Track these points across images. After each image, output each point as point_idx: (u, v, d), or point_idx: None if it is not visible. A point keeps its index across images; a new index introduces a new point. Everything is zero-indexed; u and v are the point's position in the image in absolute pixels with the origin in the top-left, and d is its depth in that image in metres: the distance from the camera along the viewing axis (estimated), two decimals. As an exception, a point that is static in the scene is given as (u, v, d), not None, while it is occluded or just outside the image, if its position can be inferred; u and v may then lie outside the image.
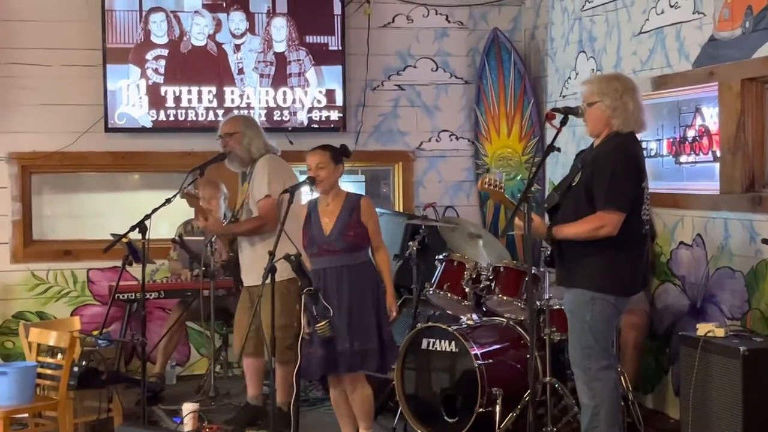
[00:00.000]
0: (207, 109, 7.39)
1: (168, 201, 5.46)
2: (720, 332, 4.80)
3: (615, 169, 4.53)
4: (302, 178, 5.33)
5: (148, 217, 5.32)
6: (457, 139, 7.96)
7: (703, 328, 4.87)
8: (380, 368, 5.20)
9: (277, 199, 5.65)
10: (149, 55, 7.30)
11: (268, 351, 4.67)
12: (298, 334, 4.84)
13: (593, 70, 6.74)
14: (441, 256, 6.04)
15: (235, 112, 7.16)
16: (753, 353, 4.52)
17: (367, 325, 5.08)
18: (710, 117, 5.70)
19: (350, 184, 7.68)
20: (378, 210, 7.42)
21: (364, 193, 7.76)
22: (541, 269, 5.56)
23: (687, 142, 5.91)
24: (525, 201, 4.38)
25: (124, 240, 5.51)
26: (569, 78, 7.20)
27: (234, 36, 7.44)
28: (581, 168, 4.67)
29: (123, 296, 6.61)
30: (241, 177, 6.12)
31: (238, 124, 6.07)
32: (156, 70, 7.32)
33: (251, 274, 5.86)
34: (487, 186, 4.83)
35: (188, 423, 5.69)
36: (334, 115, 7.60)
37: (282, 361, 5.53)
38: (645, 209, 4.67)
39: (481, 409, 5.38)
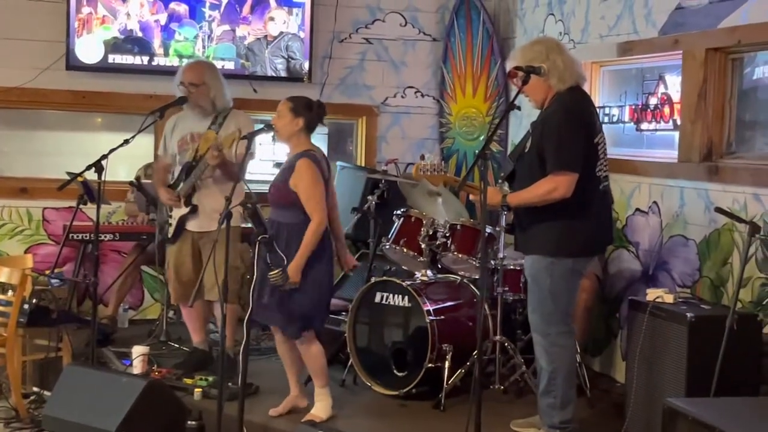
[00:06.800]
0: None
1: (126, 142, 5.39)
2: (669, 298, 4.84)
3: (560, 129, 4.52)
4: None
5: (104, 156, 5.27)
6: (422, 96, 7.94)
7: (652, 294, 4.91)
8: (285, 328, 5.10)
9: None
10: (114, -6, 7.19)
11: (220, 295, 4.63)
12: (246, 277, 4.77)
13: (561, 33, 6.73)
14: (399, 212, 6.03)
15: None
16: (699, 320, 4.56)
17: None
18: (673, 85, 5.72)
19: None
20: (339, 163, 7.45)
21: (326, 147, 7.74)
22: (497, 229, 5.58)
23: (649, 110, 5.94)
24: (483, 158, 4.27)
25: (80, 179, 5.45)
26: (537, 40, 7.16)
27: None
28: (532, 133, 4.67)
29: (77, 236, 6.49)
30: (199, 119, 5.91)
31: (204, 75, 5.85)
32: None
33: (208, 221, 5.71)
34: (422, 173, 4.74)
35: (137, 366, 5.70)
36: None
37: (228, 302, 5.48)
38: (601, 165, 4.65)
39: (430, 365, 5.42)
